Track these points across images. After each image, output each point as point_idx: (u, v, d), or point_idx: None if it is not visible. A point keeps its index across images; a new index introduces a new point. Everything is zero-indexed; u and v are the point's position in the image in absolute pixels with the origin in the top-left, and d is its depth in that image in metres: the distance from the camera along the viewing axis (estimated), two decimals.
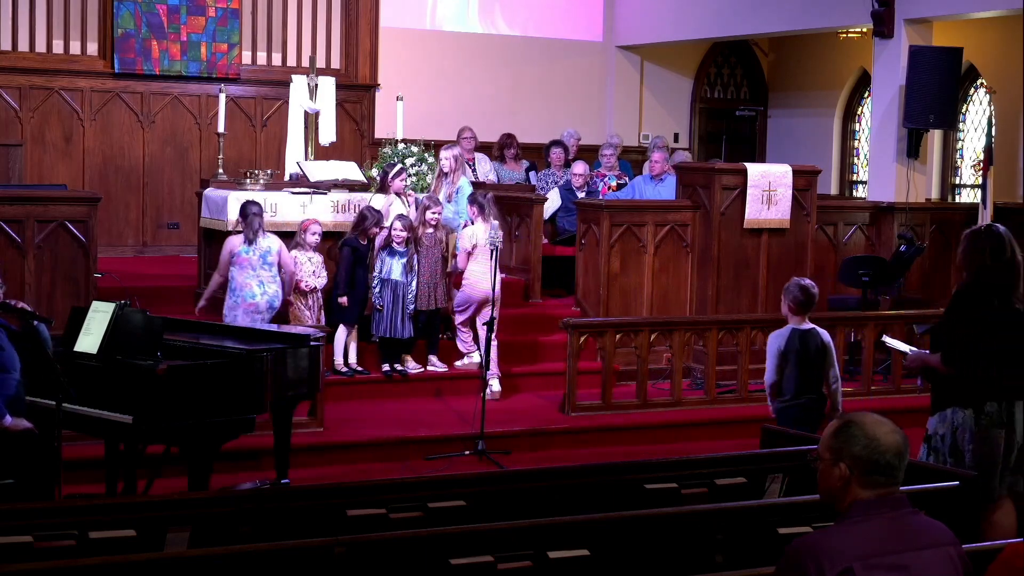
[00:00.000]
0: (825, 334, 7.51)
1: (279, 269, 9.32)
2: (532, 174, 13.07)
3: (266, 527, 4.76)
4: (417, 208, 10.02)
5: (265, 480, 7.75)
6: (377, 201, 10.18)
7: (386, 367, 9.85)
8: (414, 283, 9.77)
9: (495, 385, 9.77)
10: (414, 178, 10.99)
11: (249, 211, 9.31)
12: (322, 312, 9.70)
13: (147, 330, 6.75)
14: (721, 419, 9.78)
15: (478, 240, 9.84)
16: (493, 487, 5.43)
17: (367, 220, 9.73)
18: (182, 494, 6.10)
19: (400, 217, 9.86)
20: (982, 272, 6.13)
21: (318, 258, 9.71)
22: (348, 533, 4.73)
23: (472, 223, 10.03)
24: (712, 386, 10.12)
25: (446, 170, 10.46)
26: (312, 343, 7.46)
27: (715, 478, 5.63)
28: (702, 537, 4.89)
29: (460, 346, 10.15)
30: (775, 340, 7.36)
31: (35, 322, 6.64)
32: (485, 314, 9.48)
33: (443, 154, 10.50)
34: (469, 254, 9.89)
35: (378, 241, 9.74)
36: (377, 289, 9.76)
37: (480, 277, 9.74)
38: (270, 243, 9.31)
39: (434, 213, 9.96)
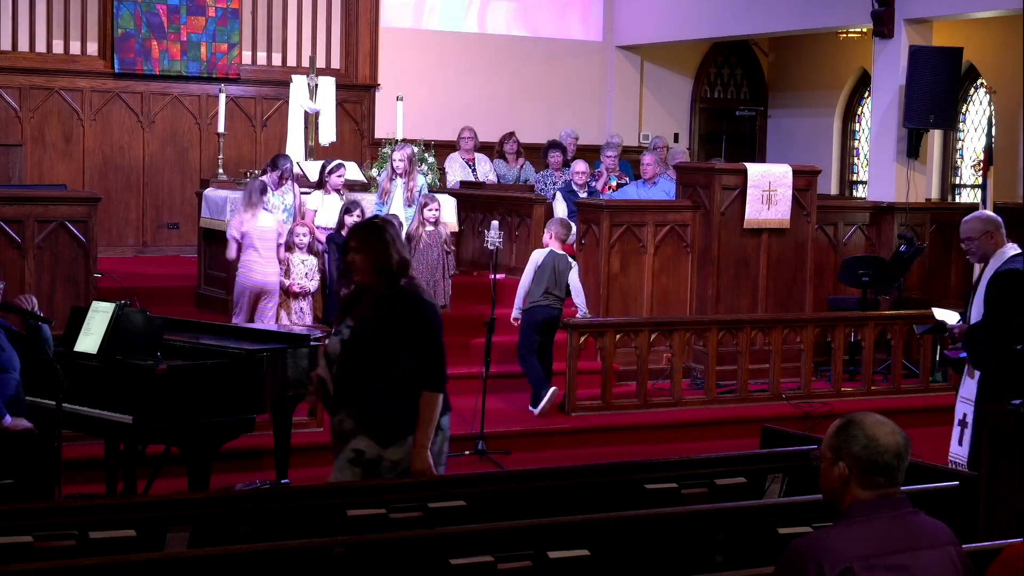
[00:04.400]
0: (573, 261, 9.77)
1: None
2: (532, 173, 13.05)
3: (266, 527, 4.76)
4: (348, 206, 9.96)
5: (265, 480, 7.75)
6: (313, 199, 10.16)
7: None
8: None
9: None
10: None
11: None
12: (308, 318, 9.64)
13: (147, 330, 6.75)
14: (721, 419, 9.78)
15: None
16: (493, 487, 5.43)
17: (346, 213, 9.74)
18: (182, 494, 6.09)
19: (390, 216, 9.87)
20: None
21: (312, 260, 9.71)
22: (348, 533, 4.73)
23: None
24: (712, 386, 10.12)
25: (399, 171, 10.28)
26: (312, 343, 7.45)
27: (715, 478, 5.62)
28: (702, 537, 4.89)
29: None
30: (535, 256, 9.59)
31: (36, 323, 6.65)
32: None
33: (395, 155, 10.37)
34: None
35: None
36: None
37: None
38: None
39: (432, 210, 9.95)
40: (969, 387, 7.31)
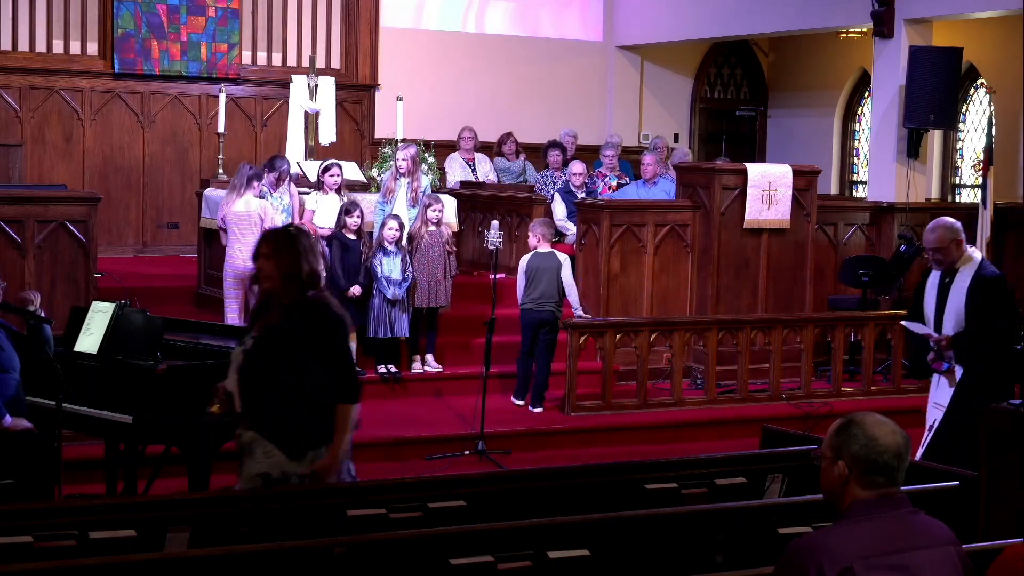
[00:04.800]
0: (561, 255, 9.80)
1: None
2: (531, 173, 13.05)
3: (266, 527, 4.76)
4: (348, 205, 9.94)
5: None
6: (310, 200, 10.19)
7: (382, 368, 9.85)
8: (409, 282, 9.77)
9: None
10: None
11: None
12: None
13: (147, 330, 6.75)
14: (721, 419, 9.78)
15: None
16: (493, 487, 5.44)
17: (345, 214, 9.75)
18: (182, 494, 6.09)
19: (392, 216, 9.87)
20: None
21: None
22: (348, 533, 4.73)
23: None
24: (712, 386, 10.12)
25: (403, 171, 10.22)
26: None
27: (715, 478, 5.63)
28: (702, 537, 4.89)
29: None
30: (523, 262, 9.80)
31: (36, 323, 6.65)
32: None
33: (399, 155, 10.33)
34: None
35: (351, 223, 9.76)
36: (374, 289, 9.76)
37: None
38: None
39: (435, 211, 9.97)
40: (944, 393, 7.19)
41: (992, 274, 7.12)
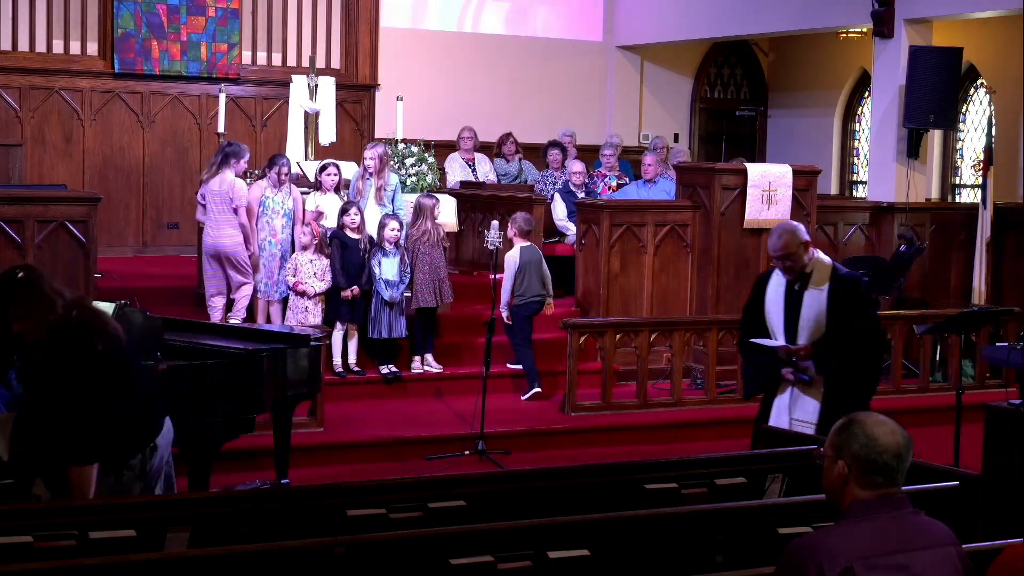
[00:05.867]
0: (537, 248, 10.12)
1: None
2: (529, 174, 13.05)
3: (266, 527, 4.76)
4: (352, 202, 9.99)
5: (265, 480, 7.75)
6: (310, 199, 10.20)
7: (382, 368, 9.85)
8: (408, 283, 9.77)
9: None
10: (414, 178, 10.98)
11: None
12: (316, 318, 9.66)
13: (147, 330, 6.73)
14: (721, 419, 9.78)
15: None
16: (493, 487, 5.43)
17: (343, 213, 9.75)
18: (182, 494, 6.09)
19: (391, 216, 9.87)
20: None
21: (322, 261, 9.69)
22: (348, 533, 4.73)
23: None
24: (712, 386, 10.12)
25: (371, 170, 10.19)
26: (312, 343, 7.46)
27: (715, 478, 5.62)
28: (702, 537, 4.88)
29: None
30: (511, 258, 9.91)
31: None
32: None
33: (367, 153, 10.30)
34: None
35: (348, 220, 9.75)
36: (374, 289, 9.77)
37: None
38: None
39: (437, 210, 10.01)
40: (806, 409, 6.75)
41: (850, 274, 6.82)
